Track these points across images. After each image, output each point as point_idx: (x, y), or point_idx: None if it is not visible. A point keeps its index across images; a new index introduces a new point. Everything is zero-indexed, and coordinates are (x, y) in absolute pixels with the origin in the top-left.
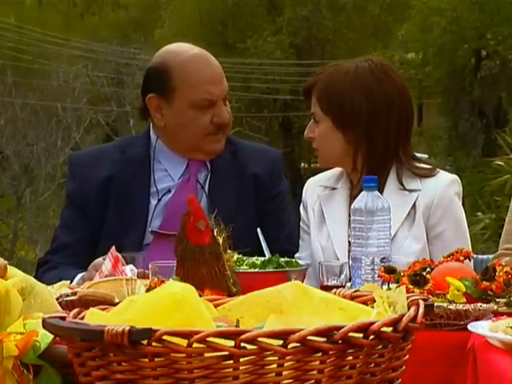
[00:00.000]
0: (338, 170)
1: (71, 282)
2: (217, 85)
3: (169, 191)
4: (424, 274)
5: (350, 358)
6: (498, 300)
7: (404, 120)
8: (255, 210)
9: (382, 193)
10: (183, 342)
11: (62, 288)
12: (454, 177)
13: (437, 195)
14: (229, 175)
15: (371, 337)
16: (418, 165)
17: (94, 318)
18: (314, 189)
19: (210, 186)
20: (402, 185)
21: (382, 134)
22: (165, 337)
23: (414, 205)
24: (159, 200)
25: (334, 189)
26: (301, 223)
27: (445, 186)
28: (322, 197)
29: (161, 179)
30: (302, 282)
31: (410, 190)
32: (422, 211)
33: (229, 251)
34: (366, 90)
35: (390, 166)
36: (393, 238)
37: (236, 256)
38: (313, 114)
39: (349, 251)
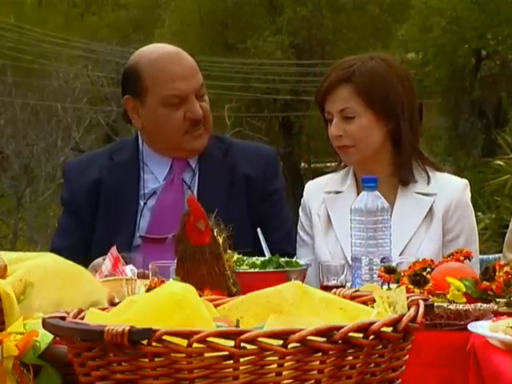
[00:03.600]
0: (341, 172)
1: None
2: (186, 80)
3: (155, 193)
4: (424, 273)
5: (350, 357)
6: (498, 300)
7: (420, 112)
8: (248, 210)
9: (396, 194)
10: (183, 342)
11: None
12: (466, 181)
13: (454, 199)
14: (218, 174)
15: (371, 337)
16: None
17: (94, 317)
18: (317, 193)
19: (199, 186)
20: (428, 177)
21: (416, 124)
22: (165, 337)
23: (431, 208)
24: (145, 203)
25: (338, 192)
26: (299, 230)
27: (461, 189)
28: (327, 200)
29: (148, 182)
30: (302, 282)
31: (427, 194)
32: (442, 215)
33: (229, 251)
34: (402, 82)
35: (412, 159)
36: (409, 241)
37: (236, 256)
38: (343, 110)
39: None
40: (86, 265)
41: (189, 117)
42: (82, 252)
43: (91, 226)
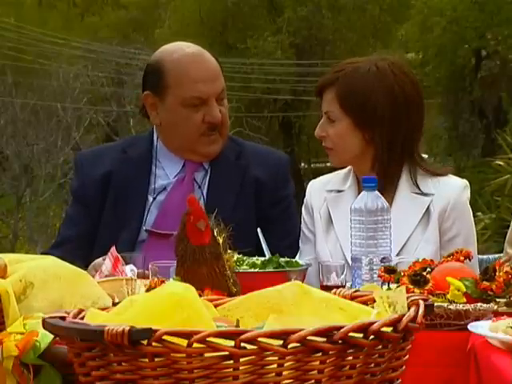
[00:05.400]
0: (342, 171)
1: None
2: (208, 83)
3: (165, 189)
4: (424, 273)
5: (350, 358)
6: (498, 300)
7: (421, 120)
8: (255, 214)
9: (394, 195)
10: (183, 342)
11: None
12: (466, 181)
13: (451, 199)
14: (229, 176)
15: (371, 337)
16: (430, 165)
17: (94, 317)
18: (319, 192)
19: (209, 186)
20: (418, 187)
21: (402, 134)
22: (165, 337)
23: (428, 208)
24: (154, 198)
25: (339, 191)
26: (303, 227)
27: (459, 190)
28: (328, 199)
29: (159, 178)
30: (302, 282)
31: (424, 194)
32: (438, 215)
33: (229, 251)
34: (389, 91)
35: (402, 167)
36: (406, 242)
37: (236, 256)
38: (327, 112)
39: None
40: (90, 257)
41: (207, 120)
42: (88, 243)
43: (99, 217)
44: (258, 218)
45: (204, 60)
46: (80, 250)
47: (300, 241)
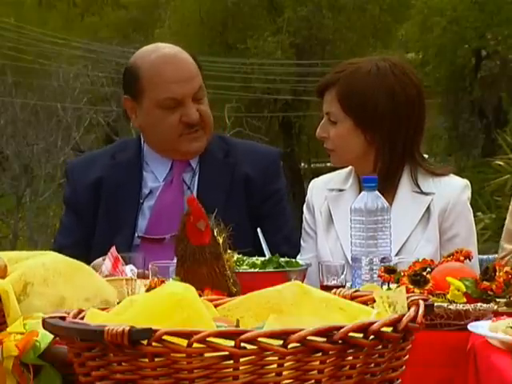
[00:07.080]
0: (344, 170)
1: None
2: (182, 84)
3: (151, 192)
4: (424, 273)
5: (350, 358)
6: (498, 300)
7: (422, 121)
8: (247, 211)
9: (395, 194)
10: (183, 342)
11: None
12: (467, 181)
13: (452, 199)
14: (218, 175)
15: (371, 337)
16: (432, 165)
17: (94, 317)
18: (320, 191)
19: (198, 186)
20: (418, 186)
21: (403, 135)
22: (165, 337)
23: (429, 207)
24: (142, 203)
25: (340, 190)
26: (304, 225)
27: (460, 190)
28: (329, 198)
29: (148, 181)
30: (302, 281)
31: (425, 193)
32: (438, 214)
33: (229, 251)
34: (389, 92)
35: (403, 167)
36: (406, 241)
37: (236, 256)
38: (328, 113)
39: None
40: (87, 264)
41: (184, 120)
42: (84, 250)
43: (92, 224)
44: (250, 215)
45: (177, 60)
46: (76, 257)
47: (301, 239)
